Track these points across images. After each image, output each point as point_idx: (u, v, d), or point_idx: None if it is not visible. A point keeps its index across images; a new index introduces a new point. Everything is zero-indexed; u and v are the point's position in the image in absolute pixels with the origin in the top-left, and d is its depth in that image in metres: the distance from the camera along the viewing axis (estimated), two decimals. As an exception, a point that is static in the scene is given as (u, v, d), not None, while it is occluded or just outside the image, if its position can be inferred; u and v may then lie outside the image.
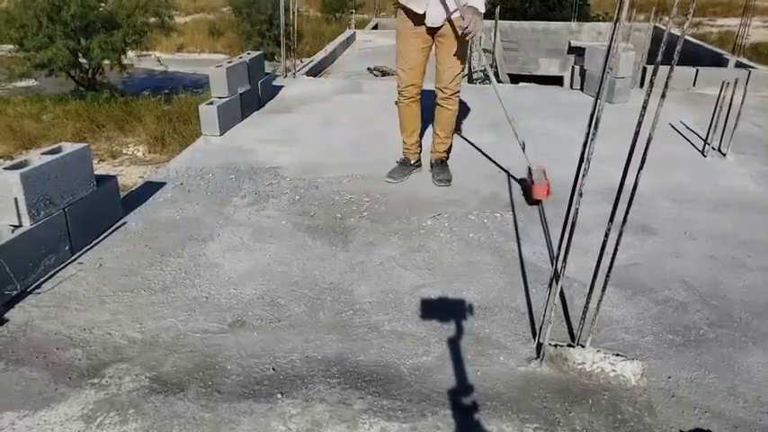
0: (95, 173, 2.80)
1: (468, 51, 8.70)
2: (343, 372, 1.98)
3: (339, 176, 3.61)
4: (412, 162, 3.63)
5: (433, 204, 3.26)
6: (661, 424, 1.78)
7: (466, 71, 3.29)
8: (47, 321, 2.21)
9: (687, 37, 6.50)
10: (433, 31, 3.17)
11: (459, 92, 3.35)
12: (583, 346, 2.00)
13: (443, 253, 2.75)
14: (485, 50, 9.36)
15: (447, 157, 3.60)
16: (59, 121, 9.99)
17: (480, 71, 7.24)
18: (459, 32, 3.04)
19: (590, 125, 1.69)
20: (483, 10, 3.01)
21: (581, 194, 1.74)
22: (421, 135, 3.62)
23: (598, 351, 2.01)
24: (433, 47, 3.25)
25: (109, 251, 2.72)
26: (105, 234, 2.86)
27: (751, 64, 6.74)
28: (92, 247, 2.74)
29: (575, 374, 1.96)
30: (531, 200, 3.25)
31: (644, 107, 1.58)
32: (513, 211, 3.15)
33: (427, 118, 3.63)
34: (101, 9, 11.88)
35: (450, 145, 3.57)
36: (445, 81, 3.29)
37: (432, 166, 3.59)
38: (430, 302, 2.37)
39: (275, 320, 2.25)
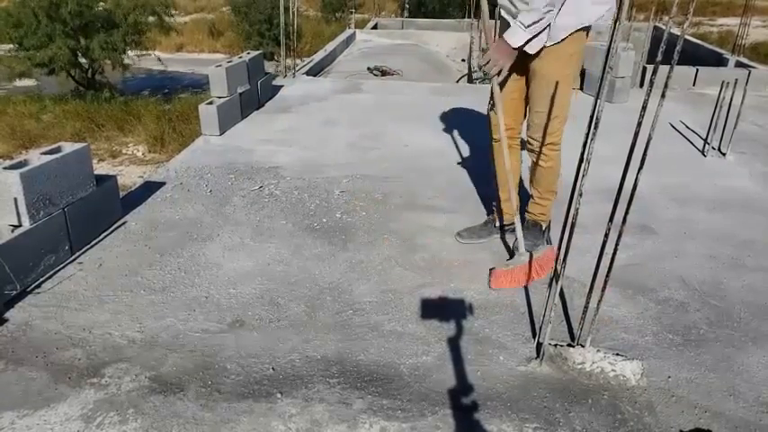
0: (95, 172, 2.79)
1: (469, 52, 8.72)
2: (343, 371, 1.98)
3: (339, 176, 3.61)
4: (497, 225, 2.89)
5: (432, 204, 3.26)
6: (661, 424, 1.78)
7: (564, 111, 2.49)
8: (47, 321, 2.21)
9: (687, 36, 6.51)
10: (527, 60, 2.45)
11: (553, 144, 2.54)
12: (583, 346, 2.00)
13: (443, 253, 2.75)
14: (484, 50, 9.37)
15: (542, 221, 2.79)
16: (59, 121, 9.99)
17: (478, 70, 7.25)
18: (479, 68, 2.49)
19: (590, 125, 1.69)
20: (516, 43, 2.28)
21: (581, 194, 1.74)
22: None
23: (598, 351, 2.01)
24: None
25: (108, 251, 2.72)
26: (105, 234, 2.86)
27: (751, 64, 6.75)
28: (91, 247, 2.74)
29: (574, 374, 1.96)
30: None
31: (644, 107, 1.58)
32: (513, 211, 3.15)
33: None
34: (99, 8, 11.89)
35: (549, 208, 2.77)
36: (531, 129, 2.56)
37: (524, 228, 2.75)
38: (430, 302, 2.37)
39: (275, 320, 2.25)
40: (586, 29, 2.40)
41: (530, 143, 2.59)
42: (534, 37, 2.30)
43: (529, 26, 2.24)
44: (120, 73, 12.64)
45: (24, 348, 2.06)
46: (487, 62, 2.37)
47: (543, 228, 2.80)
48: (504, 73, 2.43)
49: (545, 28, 2.28)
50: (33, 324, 2.19)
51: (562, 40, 2.35)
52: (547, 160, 2.58)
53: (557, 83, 2.39)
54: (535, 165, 2.63)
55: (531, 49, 2.35)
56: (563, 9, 2.27)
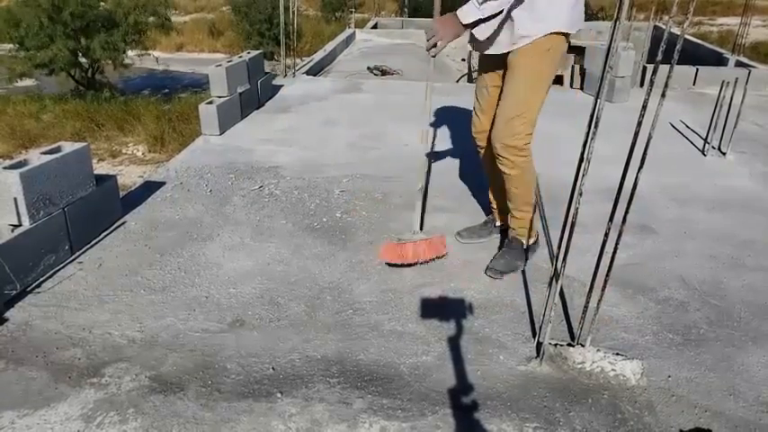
0: (95, 172, 2.79)
1: (469, 52, 8.71)
2: (343, 371, 1.98)
3: (339, 176, 3.61)
4: (498, 224, 2.83)
5: (432, 204, 3.26)
6: (661, 423, 1.78)
7: (531, 112, 2.32)
8: (47, 321, 2.21)
9: (687, 36, 6.51)
10: (507, 57, 2.32)
11: (516, 149, 2.31)
12: (583, 346, 2.00)
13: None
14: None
15: (521, 237, 2.57)
16: (59, 121, 9.99)
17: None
18: (427, 47, 2.28)
19: (590, 124, 1.69)
20: (465, 19, 2.17)
21: (581, 194, 1.74)
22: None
23: (598, 350, 2.01)
24: None
25: (108, 251, 2.72)
26: (105, 234, 2.86)
27: (751, 63, 6.75)
28: (91, 247, 2.74)
29: (574, 374, 1.96)
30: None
31: (644, 106, 1.58)
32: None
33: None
34: (100, 8, 11.92)
35: (528, 222, 2.54)
36: (494, 130, 2.35)
37: (504, 245, 2.69)
38: (430, 302, 2.37)
39: (275, 320, 2.25)
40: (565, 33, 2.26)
41: (492, 146, 2.38)
42: (485, 21, 2.18)
43: (482, 3, 2.12)
44: (119, 73, 12.66)
45: (24, 348, 2.06)
46: (431, 35, 2.23)
47: (525, 245, 2.58)
48: (441, 47, 2.26)
49: (498, 13, 2.15)
50: (33, 324, 2.19)
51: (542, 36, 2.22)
52: (511, 167, 2.35)
53: (526, 79, 2.26)
54: (501, 173, 2.41)
55: (480, 34, 2.23)
56: (533, 14, 2.17)
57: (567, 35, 2.28)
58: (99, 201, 2.82)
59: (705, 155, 4.09)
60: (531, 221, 2.54)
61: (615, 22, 1.61)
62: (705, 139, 4.19)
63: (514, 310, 2.32)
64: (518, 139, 2.30)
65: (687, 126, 4.68)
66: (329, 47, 8.52)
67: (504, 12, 2.18)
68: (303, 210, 3.18)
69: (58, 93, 11.79)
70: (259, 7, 16.08)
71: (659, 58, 1.60)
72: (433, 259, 2.60)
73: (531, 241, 2.61)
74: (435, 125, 4.35)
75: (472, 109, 2.62)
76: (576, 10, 2.26)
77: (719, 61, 7.18)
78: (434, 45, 2.26)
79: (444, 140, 4.18)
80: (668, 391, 1.91)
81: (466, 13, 2.18)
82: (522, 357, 2.05)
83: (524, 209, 2.49)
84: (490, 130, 2.43)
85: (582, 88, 5.84)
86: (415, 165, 3.77)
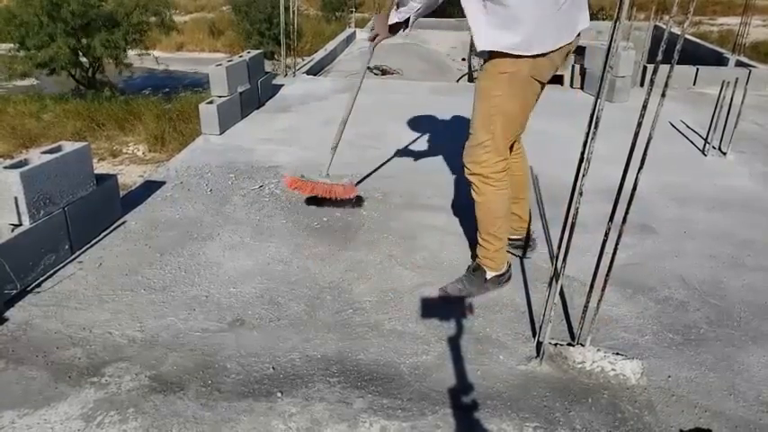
0: (95, 172, 2.79)
1: (469, 51, 8.71)
2: (343, 371, 1.98)
3: (339, 176, 3.60)
4: (514, 237, 2.61)
5: (432, 203, 3.26)
6: (661, 423, 1.78)
7: (495, 140, 2.17)
8: (47, 320, 2.21)
9: (687, 36, 6.51)
10: None
11: (482, 176, 2.19)
12: (583, 345, 2.00)
13: (443, 252, 2.75)
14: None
15: (485, 266, 2.37)
16: (59, 120, 9.99)
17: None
18: (368, 38, 2.64)
19: (590, 124, 1.69)
20: (390, 21, 2.41)
21: (581, 194, 1.74)
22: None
23: (598, 350, 2.01)
24: None
25: (109, 250, 2.72)
26: (105, 233, 2.86)
27: (751, 63, 6.75)
28: (91, 246, 2.74)
29: (574, 373, 1.96)
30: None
31: (644, 106, 1.58)
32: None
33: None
34: (101, 7, 11.93)
35: (491, 253, 2.34)
36: (464, 151, 2.27)
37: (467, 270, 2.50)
38: (430, 301, 2.37)
39: (275, 319, 2.25)
40: (536, 55, 1.99)
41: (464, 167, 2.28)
42: (404, 26, 2.42)
43: (398, 8, 2.35)
44: (119, 71, 12.68)
45: (24, 348, 2.06)
46: (372, 28, 2.60)
47: (487, 276, 2.38)
48: (377, 42, 2.63)
49: (411, 15, 2.33)
50: (33, 323, 2.19)
51: (500, 56, 2.03)
52: (479, 193, 2.24)
53: (483, 106, 2.12)
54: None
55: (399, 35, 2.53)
56: (491, 19, 1.97)
57: (541, 55, 1.98)
58: (99, 200, 2.82)
59: (705, 155, 4.09)
60: (497, 253, 2.35)
61: (615, 21, 1.61)
62: (705, 139, 4.19)
63: (514, 310, 2.32)
64: (484, 167, 2.18)
65: (687, 126, 4.68)
66: (329, 46, 8.52)
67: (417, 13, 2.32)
68: (303, 209, 3.18)
69: (58, 92, 11.79)
70: (259, 7, 16.10)
71: (659, 57, 1.60)
72: (340, 200, 3.02)
73: (496, 273, 2.39)
74: (435, 124, 4.36)
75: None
76: (550, 25, 1.95)
77: (719, 61, 7.18)
78: (374, 38, 2.62)
79: (444, 139, 4.18)
80: (668, 390, 1.91)
81: (391, 15, 2.41)
82: (522, 357, 2.05)
83: (487, 238, 2.32)
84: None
85: (582, 88, 5.84)
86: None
